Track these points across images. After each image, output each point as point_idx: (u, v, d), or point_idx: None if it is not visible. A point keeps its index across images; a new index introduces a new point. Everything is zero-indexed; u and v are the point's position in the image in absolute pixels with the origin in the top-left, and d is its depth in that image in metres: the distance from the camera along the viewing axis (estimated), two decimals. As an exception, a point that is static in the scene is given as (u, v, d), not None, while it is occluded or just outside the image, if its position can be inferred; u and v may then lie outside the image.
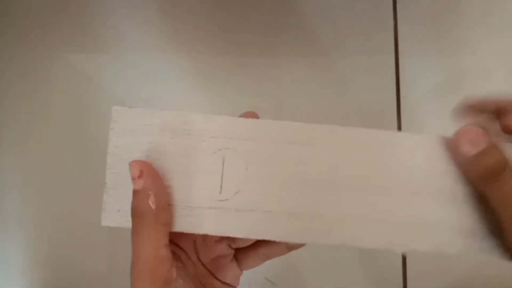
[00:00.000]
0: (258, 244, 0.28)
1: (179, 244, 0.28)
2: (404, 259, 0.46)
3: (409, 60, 0.47)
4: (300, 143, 0.25)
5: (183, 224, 0.25)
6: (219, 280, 0.28)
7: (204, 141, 0.25)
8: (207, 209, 0.24)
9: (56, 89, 0.49)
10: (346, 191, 0.24)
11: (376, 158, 0.25)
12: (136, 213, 0.24)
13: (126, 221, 0.24)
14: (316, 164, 0.24)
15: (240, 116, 0.27)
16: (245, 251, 0.29)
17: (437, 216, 0.24)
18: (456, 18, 0.47)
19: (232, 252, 0.29)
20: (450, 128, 0.50)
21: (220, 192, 0.25)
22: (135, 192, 0.23)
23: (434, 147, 0.25)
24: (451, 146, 0.24)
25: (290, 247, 0.27)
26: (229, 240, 0.28)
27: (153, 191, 0.23)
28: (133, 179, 0.23)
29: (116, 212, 0.25)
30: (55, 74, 0.49)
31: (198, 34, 0.49)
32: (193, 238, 0.28)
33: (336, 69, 0.48)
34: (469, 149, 0.22)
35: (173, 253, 0.25)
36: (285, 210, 0.24)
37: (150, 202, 0.23)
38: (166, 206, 0.24)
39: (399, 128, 0.47)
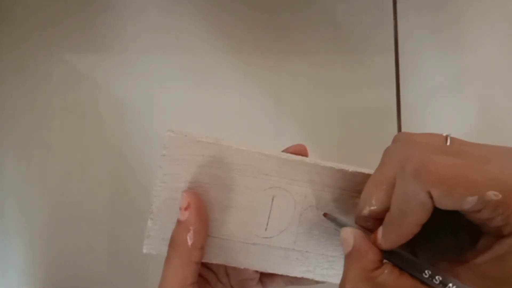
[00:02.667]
0: None
1: (211, 267, 0.28)
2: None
3: (409, 60, 0.47)
4: (353, 191, 0.25)
5: (224, 257, 0.25)
6: None
7: (257, 178, 0.24)
8: (251, 245, 0.25)
9: (56, 89, 0.49)
10: None
11: None
12: (172, 243, 0.24)
13: (166, 248, 0.25)
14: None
15: (288, 150, 0.26)
16: (271, 275, 0.29)
17: None
18: (456, 18, 0.47)
19: (258, 275, 0.29)
20: (450, 128, 0.50)
21: (266, 229, 0.25)
22: (178, 222, 0.24)
23: None
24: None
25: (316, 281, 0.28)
26: None
27: (193, 227, 0.23)
28: (180, 209, 0.23)
29: (160, 240, 0.25)
30: (55, 74, 0.49)
31: (198, 34, 0.49)
32: None
33: (336, 69, 0.48)
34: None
35: (204, 277, 0.26)
36: (321, 252, 0.25)
37: (188, 237, 0.23)
38: (202, 246, 0.24)
39: (399, 128, 0.47)
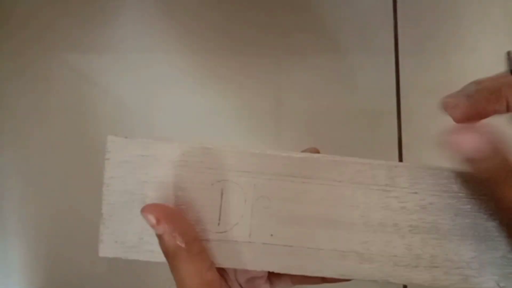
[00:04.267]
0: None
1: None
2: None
3: (409, 60, 0.47)
4: (302, 177, 0.24)
5: None
6: None
7: (202, 172, 0.24)
8: (205, 241, 0.24)
9: (56, 90, 0.49)
10: (341, 228, 0.24)
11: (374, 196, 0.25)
12: (168, 255, 0.24)
13: (123, 252, 0.25)
14: (314, 201, 0.24)
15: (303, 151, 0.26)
16: (279, 274, 0.28)
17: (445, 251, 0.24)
18: (456, 18, 0.47)
19: (266, 273, 0.29)
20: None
21: (219, 224, 0.24)
22: (159, 237, 0.23)
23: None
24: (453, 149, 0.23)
25: (325, 280, 0.27)
26: None
27: (177, 231, 0.23)
28: (152, 226, 0.23)
29: (113, 243, 0.25)
30: (55, 75, 0.49)
31: (198, 34, 0.49)
32: None
33: (336, 69, 0.48)
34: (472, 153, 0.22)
35: (220, 274, 0.25)
36: (283, 243, 0.24)
37: (178, 243, 0.23)
38: (195, 237, 0.24)
39: (399, 128, 0.47)
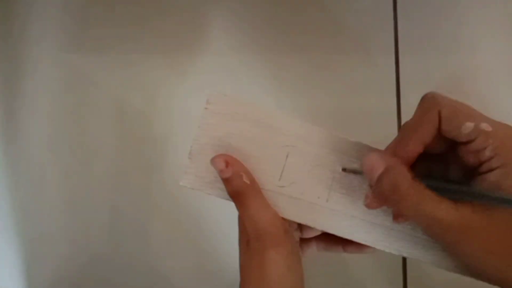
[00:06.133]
0: (320, 238, 0.33)
1: None
2: (404, 259, 0.46)
3: (409, 60, 0.47)
4: (352, 157, 0.30)
5: None
6: None
7: (277, 135, 0.29)
8: (266, 190, 0.29)
9: (56, 90, 0.49)
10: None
11: None
12: (237, 194, 0.27)
13: (199, 185, 0.29)
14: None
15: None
16: (309, 241, 0.33)
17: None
18: (456, 18, 0.47)
19: (298, 240, 0.32)
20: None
21: (279, 179, 0.29)
22: (229, 179, 0.27)
23: None
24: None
25: (346, 249, 0.31)
26: (302, 227, 0.32)
27: (243, 172, 0.28)
28: (221, 171, 0.27)
29: (194, 177, 0.29)
30: (55, 75, 0.49)
31: (198, 35, 0.49)
32: None
33: (336, 69, 0.48)
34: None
35: None
36: (327, 206, 0.30)
37: (245, 180, 0.27)
38: (254, 179, 0.28)
39: (399, 126, 0.47)
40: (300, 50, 0.48)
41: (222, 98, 0.29)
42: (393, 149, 0.25)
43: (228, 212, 0.47)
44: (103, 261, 0.48)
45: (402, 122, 0.47)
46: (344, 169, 0.29)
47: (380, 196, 0.25)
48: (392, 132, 0.47)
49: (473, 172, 0.24)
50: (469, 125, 0.22)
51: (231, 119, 0.29)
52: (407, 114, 0.47)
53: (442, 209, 0.22)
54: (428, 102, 0.24)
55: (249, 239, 0.27)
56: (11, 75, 0.49)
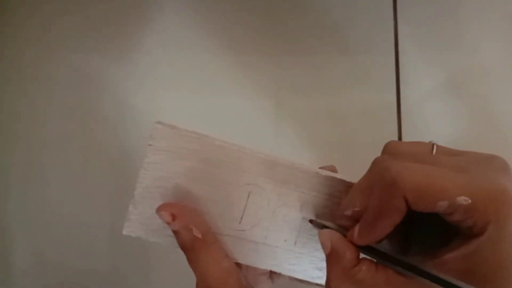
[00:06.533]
0: None
1: None
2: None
3: (409, 60, 0.47)
4: (323, 194, 0.27)
5: None
6: None
7: (236, 173, 0.26)
8: (224, 236, 0.26)
9: (58, 90, 0.49)
10: None
11: None
12: (186, 247, 0.25)
13: (145, 234, 0.26)
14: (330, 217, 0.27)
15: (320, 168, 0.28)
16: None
17: None
18: (456, 18, 0.47)
19: (268, 270, 0.31)
20: (449, 127, 0.50)
21: (240, 223, 0.27)
22: (176, 232, 0.25)
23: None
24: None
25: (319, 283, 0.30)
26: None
27: (193, 225, 0.25)
28: (168, 223, 0.25)
29: (139, 224, 0.26)
30: (57, 75, 0.49)
31: (199, 35, 0.49)
32: None
33: (336, 69, 0.48)
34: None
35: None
36: (290, 249, 0.27)
37: (195, 234, 0.25)
38: (208, 229, 0.26)
39: (399, 128, 0.47)
40: (300, 50, 0.48)
41: (167, 132, 0.25)
42: (362, 231, 0.23)
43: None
44: (105, 260, 0.48)
45: (402, 123, 0.47)
46: (311, 221, 0.27)
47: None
48: (392, 132, 0.48)
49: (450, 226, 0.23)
50: (443, 204, 0.20)
51: (179, 157, 0.25)
52: (407, 114, 0.47)
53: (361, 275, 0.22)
54: (389, 187, 0.21)
55: None
56: (11, 75, 0.49)
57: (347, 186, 0.26)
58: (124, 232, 0.26)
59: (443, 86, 0.47)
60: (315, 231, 0.26)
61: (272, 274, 0.31)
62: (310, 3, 0.48)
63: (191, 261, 0.25)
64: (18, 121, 0.49)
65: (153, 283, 0.48)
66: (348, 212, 0.24)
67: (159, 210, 0.25)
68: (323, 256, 0.24)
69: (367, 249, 0.23)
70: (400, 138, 0.47)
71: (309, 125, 0.48)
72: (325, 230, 0.24)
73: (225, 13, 0.49)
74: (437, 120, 0.47)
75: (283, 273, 0.27)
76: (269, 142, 0.47)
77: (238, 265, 0.29)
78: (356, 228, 0.23)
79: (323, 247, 0.24)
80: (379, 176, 0.22)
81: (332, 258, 0.23)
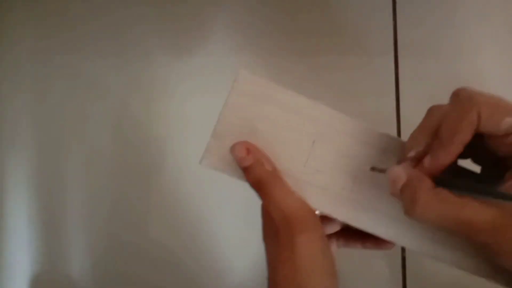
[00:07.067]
0: (339, 234, 0.32)
1: None
2: (403, 259, 0.46)
3: (408, 63, 0.47)
4: (379, 148, 0.29)
5: None
6: None
7: (306, 121, 0.28)
8: (290, 176, 0.28)
9: (57, 92, 0.49)
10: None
11: None
12: (260, 181, 0.27)
13: (221, 166, 0.28)
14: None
15: None
16: (329, 237, 0.32)
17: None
18: (455, 20, 0.48)
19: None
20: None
21: (304, 166, 0.28)
22: (249, 167, 0.27)
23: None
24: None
25: (365, 245, 0.31)
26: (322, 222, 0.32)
27: (264, 159, 0.27)
28: (242, 158, 0.27)
29: (217, 157, 0.28)
30: (56, 77, 0.49)
31: (199, 34, 0.49)
32: None
33: (335, 71, 0.48)
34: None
35: None
36: (351, 197, 0.29)
37: (267, 167, 0.27)
38: (275, 166, 0.28)
39: (399, 129, 0.47)
40: (300, 52, 0.48)
41: (251, 78, 0.28)
42: (436, 152, 0.24)
43: (228, 215, 0.47)
44: (105, 260, 0.48)
45: (402, 124, 0.47)
46: (372, 168, 0.28)
47: (404, 206, 0.25)
48: (392, 133, 0.48)
49: (501, 161, 0.24)
50: (509, 120, 0.22)
51: (259, 100, 0.28)
52: (407, 116, 0.47)
53: (468, 212, 0.23)
54: (465, 102, 0.24)
55: (277, 229, 0.26)
56: (13, 77, 0.49)
57: (402, 144, 0.28)
58: (202, 163, 0.28)
59: (442, 88, 0.47)
60: (373, 181, 0.28)
61: (339, 236, 0.32)
62: (310, 5, 0.48)
63: (265, 194, 0.26)
64: (19, 122, 0.49)
65: (153, 283, 0.48)
66: (412, 153, 0.25)
67: (234, 145, 0.27)
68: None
69: (439, 181, 0.24)
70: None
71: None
72: (395, 166, 0.25)
73: (225, 15, 0.49)
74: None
75: (338, 219, 0.29)
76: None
77: None
78: (426, 158, 0.24)
79: (396, 182, 0.24)
80: (454, 96, 0.25)
81: (408, 187, 0.24)
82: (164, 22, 0.49)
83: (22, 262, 0.48)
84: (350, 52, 0.48)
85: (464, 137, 0.23)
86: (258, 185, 0.27)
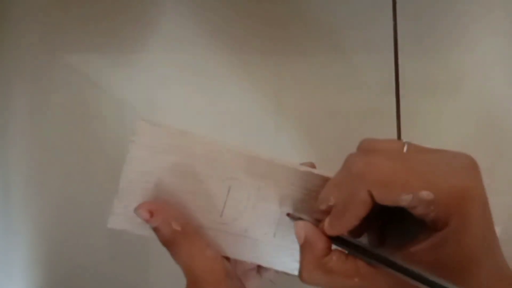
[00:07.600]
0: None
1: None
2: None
3: (408, 59, 0.47)
4: (302, 188, 0.27)
5: None
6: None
7: (217, 168, 0.27)
8: (207, 229, 0.27)
9: (57, 90, 0.49)
10: None
11: None
12: (168, 242, 0.26)
13: (130, 227, 0.27)
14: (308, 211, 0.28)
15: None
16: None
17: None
18: (455, 17, 0.47)
19: (256, 265, 0.32)
20: (448, 127, 0.50)
21: (221, 216, 0.27)
22: (156, 229, 0.26)
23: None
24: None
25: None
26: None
27: (171, 219, 0.26)
28: (147, 221, 0.25)
29: (123, 217, 0.27)
30: (56, 75, 0.49)
31: (198, 35, 0.49)
32: None
33: (335, 68, 0.48)
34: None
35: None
36: (276, 242, 0.28)
37: (174, 227, 0.25)
38: (187, 221, 0.26)
39: (399, 128, 0.47)
40: (299, 50, 0.48)
41: (150, 129, 0.26)
42: (332, 220, 0.24)
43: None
44: (105, 260, 0.48)
45: (402, 122, 0.47)
46: (288, 215, 0.27)
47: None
48: (391, 132, 0.48)
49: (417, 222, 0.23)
50: (407, 197, 0.21)
51: (162, 151, 0.26)
52: (407, 114, 0.47)
53: (351, 284, 0.23)
54: (355, 180, 0.22)
55: (187, 286, 0.26)
56: (13, 76, 0.49)
57: (325, 180, 0.27)
58: (108, 226, 0.27)
59: (442, 86, 0.47)
60: (293, 224, 0.27)
61: (260, 269, 0.32)
62: (309, 3, 0.48)
63: (175, 255, 0.26)
64: (19, 121, 0.49)
65: (153, 282, 0.48)
66: (323, 207, 0.24)
67: (137, 209, 0.25)
68: None
69: (338, 240, 0.24)
70: (399, 137, 0.47)
71: (308, 125, 0.48)
72: (300, 222, 0.25)
73: (225, 13, 0.49)
74: (436, 120, 0.47)
75: (263, 265, 0.28)
76: (269, 142, 0.47)
77: (227, 259, 0.29)
78: (327, 219, 0.24)
79: (297, 237, 0.25)
80: (348, 170, 0.23)
81: (305, 248, 0.24)
82: (164, 20, 0.49)
83: (22, 262, 0.48)
84: (350, 50, 0.48)
85: (358, 213, 0.22)
86: (168, 246, 0.26)
